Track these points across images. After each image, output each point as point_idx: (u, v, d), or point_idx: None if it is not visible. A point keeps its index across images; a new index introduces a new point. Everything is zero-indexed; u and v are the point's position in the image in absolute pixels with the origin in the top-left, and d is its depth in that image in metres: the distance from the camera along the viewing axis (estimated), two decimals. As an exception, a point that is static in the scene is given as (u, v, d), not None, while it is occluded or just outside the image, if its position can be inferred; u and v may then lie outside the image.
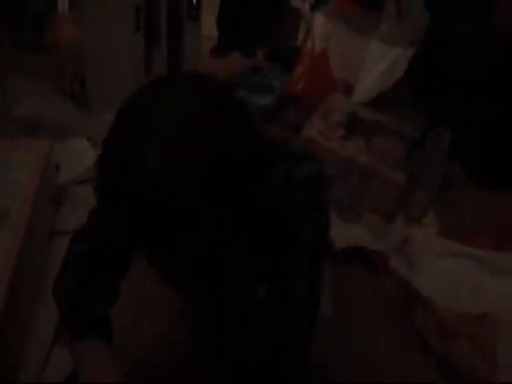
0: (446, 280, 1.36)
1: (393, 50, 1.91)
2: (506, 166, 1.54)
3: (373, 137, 1.71)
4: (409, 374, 1.23)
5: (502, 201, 1.53)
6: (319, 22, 2.02)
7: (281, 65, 2.13)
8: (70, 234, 1.04)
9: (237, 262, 0.78)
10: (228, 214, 0.63)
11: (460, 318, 1.27)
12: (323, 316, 1.00)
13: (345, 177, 1.62)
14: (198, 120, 0.61)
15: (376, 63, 1.95)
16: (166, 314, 1.26)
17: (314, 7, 2.12)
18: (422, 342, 1.28)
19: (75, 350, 0.83)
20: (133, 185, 0.59)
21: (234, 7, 2.71)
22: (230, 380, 0.94)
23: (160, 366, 1.15)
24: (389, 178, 1.61)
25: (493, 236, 1.42)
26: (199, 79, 0.67)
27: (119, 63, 1.86)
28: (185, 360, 1.15)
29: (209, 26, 2.57)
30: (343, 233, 1.50)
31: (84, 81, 1.93)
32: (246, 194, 0.64)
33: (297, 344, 0.83)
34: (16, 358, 1.17)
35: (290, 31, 2.61)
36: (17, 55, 2.26)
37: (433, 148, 1.58)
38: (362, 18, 2.03)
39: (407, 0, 1.97)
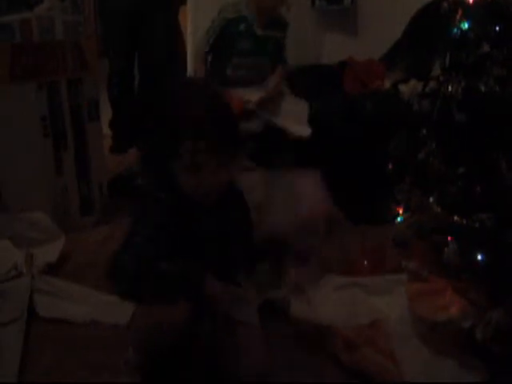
0: (340, 307, 1.64)
1: None
2: (369, 206, 1.90)
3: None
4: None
5: (371, 233, 1.88)
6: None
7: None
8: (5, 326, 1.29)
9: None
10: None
11: (358, 330, 1.54)
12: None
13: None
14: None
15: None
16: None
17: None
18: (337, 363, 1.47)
19: None
20: None
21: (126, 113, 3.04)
22: None
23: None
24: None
25: (369, 262, 1.76)
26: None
27: (31, 167, 2.06)
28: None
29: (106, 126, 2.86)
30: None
31: (-1, 187, 2.09)
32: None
33: None
34: None
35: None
36: None
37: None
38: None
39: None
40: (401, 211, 1.60)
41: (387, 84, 2.31)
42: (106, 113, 2.92)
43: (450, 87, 1.42)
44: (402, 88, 1.86)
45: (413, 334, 1.51)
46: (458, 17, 1.48)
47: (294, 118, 2.19)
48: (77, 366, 1.45)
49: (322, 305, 1.64)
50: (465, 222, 1.49)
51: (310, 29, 3.09)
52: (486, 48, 1.37)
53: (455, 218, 1.52)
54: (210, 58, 2.36)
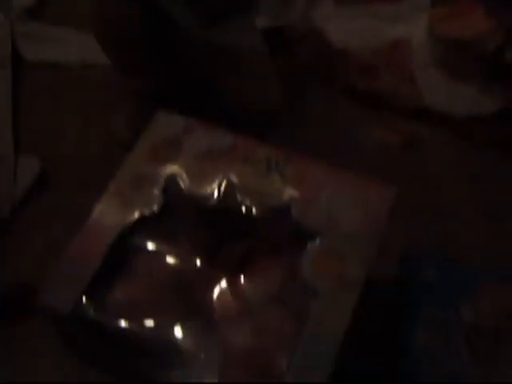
0: (356, 34, 1.47)
1: None
2: None
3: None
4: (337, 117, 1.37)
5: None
6: None
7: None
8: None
9: None
10: None
11: (375, 53, 1.42)
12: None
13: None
14: None
15: None
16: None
17: None
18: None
19: None
20: None
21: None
22: None
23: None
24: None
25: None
26: None
27: None
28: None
29: None
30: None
31: None
32: None
33: None
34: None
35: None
36: None
37: None
38: None
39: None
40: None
41: None
42: None
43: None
44: None
45: (433, 61, 1.40)
46: None
47: None
48: (70, 110, 1.41)
49: (335, 35, 1.47)
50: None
51: None
52: None
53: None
54: None
